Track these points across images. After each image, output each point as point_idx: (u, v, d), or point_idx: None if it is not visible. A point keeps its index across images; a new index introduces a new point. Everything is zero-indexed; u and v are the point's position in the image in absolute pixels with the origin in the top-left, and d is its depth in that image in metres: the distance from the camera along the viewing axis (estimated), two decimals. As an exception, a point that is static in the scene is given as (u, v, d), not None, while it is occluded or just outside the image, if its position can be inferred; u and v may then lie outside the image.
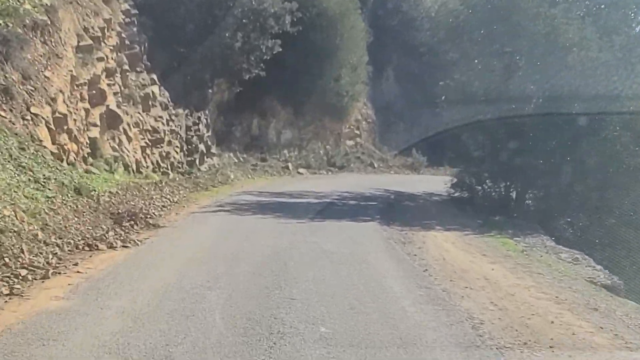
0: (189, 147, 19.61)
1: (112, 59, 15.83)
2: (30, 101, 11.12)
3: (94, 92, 14.37)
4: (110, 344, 4.77)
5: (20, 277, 6.42)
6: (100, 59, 14.79)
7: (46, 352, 4.60)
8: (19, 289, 6.12)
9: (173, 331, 5.12)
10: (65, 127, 12.47)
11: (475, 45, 17.42)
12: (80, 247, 8.13)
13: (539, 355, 5.16)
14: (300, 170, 24.56)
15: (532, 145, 15.06)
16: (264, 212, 13.04)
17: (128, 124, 15.90)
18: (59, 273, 6.85)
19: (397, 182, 22.39)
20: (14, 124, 10.34)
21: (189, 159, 19.43)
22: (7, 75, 10.75)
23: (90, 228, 9.07)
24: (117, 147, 15.12)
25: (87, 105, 14.04)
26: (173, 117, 18.75)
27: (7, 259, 6.75)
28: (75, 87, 13.48)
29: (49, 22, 12.69)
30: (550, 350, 5.29)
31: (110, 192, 11.80)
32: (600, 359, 5.29)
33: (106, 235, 8.86)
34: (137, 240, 8.91)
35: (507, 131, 15.69)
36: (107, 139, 14.93)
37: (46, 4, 12.73)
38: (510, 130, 15.58)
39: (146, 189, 13.65)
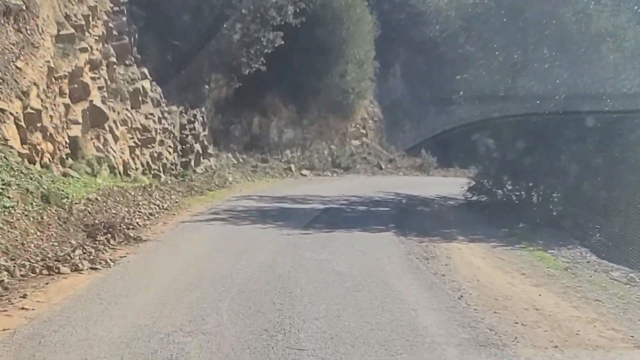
0: (184, 147, 18.44)
1: (97, 50, 14.48)
2: (-5, 95, 9.74)
3: (75, 86, 13.02)
4: None
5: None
6: (83, 50, 13.45)
7: None
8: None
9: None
10: (39, 125, 11.07)
11: (495, 36, 16.01)
12: (38, 270, 6.65)
13: None
14: (304, 171, 23.29)
15: (558, 146, 13.76)
16: (264, 221, 11.67)
17: (115, 122, 14.52)
18: (-2, 310, 5.35)
19: (407, 185, 21.07)
20: (-28, 120, 8.94)
21: (183, 160, 18.23)
22: (-33, 64, 9.37)
23: (56, 244, 7.59)
24: (101, 147, 13.73)
25: (67, 101, 12.67)
26: (166, 115, 17.56)
27: None
28: (54, 80, 12.13)
29: (24, 8, 11.36)
30: None
31: (88, 198, 10.31)
32: None
33: (72, 254, 7.32)
34: (110, 259, 7.43)
35: (529, 130, 14.38)
36: (91, 138, 13.54)
37: (21, -13, 11.37)
38: (532, 130, 14.27)
39: (132, 194, 12.21)
